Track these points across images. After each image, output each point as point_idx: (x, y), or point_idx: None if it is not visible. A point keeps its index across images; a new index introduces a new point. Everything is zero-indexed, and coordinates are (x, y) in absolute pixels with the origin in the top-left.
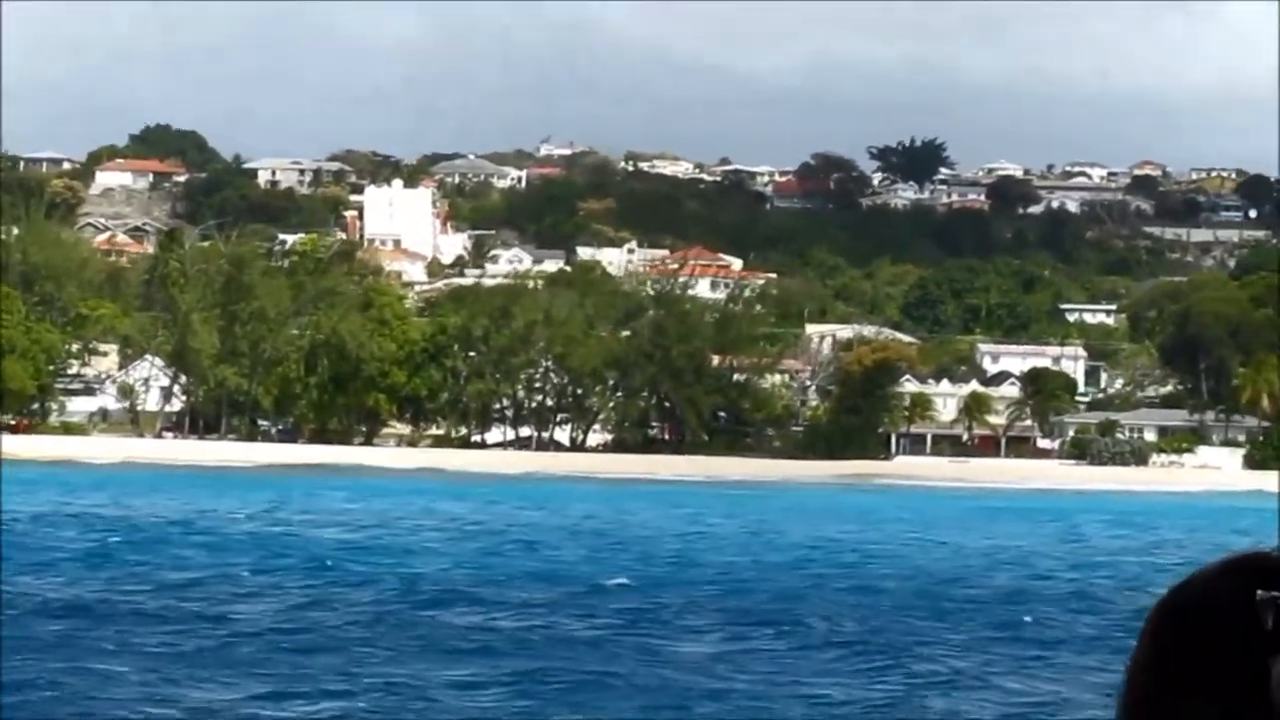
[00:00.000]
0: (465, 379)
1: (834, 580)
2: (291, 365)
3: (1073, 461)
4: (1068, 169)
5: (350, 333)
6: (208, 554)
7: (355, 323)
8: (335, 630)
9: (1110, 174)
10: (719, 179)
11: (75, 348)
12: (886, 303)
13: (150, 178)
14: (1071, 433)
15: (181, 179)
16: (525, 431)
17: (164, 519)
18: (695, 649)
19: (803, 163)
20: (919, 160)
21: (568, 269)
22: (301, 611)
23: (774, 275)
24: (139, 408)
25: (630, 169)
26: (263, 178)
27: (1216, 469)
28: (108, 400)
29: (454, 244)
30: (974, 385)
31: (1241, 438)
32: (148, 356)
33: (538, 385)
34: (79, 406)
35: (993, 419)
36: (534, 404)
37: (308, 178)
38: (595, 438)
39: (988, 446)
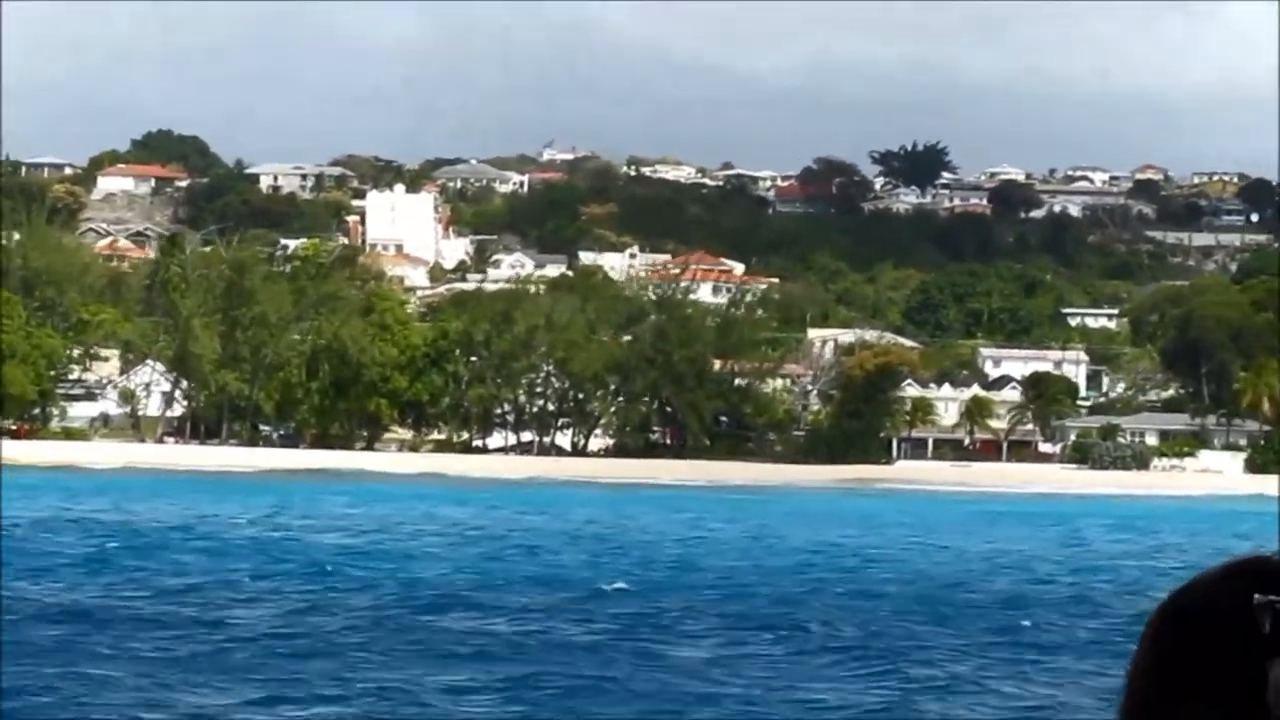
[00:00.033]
0: (467, 384)
1: (834, 585)
2: (293, 370)
3: (1074, 466)
4: (1069, 173)
5: (352, 338)
6: (207, 559)
7: (357, 328)
8: (331, 635)
9: (1112, 178)
10: (721, 183)
11: (76, 353)
12: (888, 307)
13: (152, 183)
14: (1073, 437)
15: (183, 184)
16: (527, 436)
17: (164, 524)
18: (692, 654)
19: (805, 167)
20: (921, 164)
21: (569, 274)
22: (298, 617)
23: (776, 280)
24: (140, 413)
25: (632, 173)
26: (264, 183)
27: (1218, 473)
28: (109, 405)
29: (456, 249)
30: (975, 389)
31: (1243, 442)
32: (149, 361)
33: (539, 390)
34: (80, 412)
35: (994, 423)
36: (535, 409)
37: (309, 183)
38: (597, 442)
39: (989, 451)
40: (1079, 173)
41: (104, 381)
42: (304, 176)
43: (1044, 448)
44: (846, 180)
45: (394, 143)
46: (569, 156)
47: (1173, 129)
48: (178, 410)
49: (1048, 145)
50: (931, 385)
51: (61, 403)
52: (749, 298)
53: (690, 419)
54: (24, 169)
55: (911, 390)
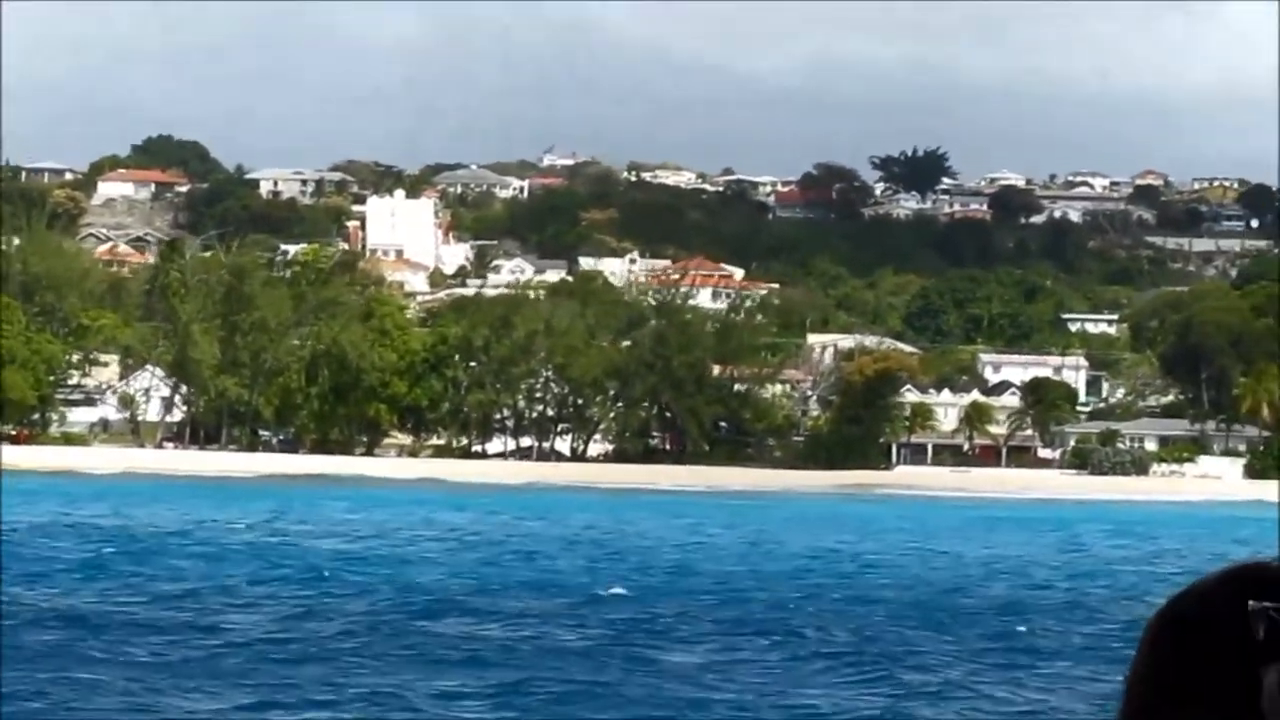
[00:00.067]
0: (466, 389)
1: (830, 590)
2: (292, 375)
3: (1074, 471)
4: (1070, 178)
5: (351, 343)
6: (204, 564)
7: (356, 333)
8: (325, 641)
9: (1112, 183)
10: (721, 189)
11: (76, 358)
12: (888, 313)
13: (152, 188)
14: (1072, 442)
15: (183, 189)
16: (526, 441)
17: (162, 530)
18: (685, 659)
19: (805, 173)
20: (921, 170)
21: (569, 279)
22: (293, 622)
23: (776, 285)
24: (140, 418)
25: (633, 179)
26: (265, 188)
27: (1217, 479)
28: (108, 411)
29: (456, 254)
30: (975, 395)
31: (1242, 447)
32: (148, 367)
33: (538, 395)
34: (80, 417)
35: (994, 429)
36: (535, 414)
37: (310, 188)
38: (596, 448)
39: (989, 456)
40: (1079, 178)
41: (103, 387)
42: (304, 182)
43: (1043, 453)
44: (847, 185)
45: (394, 148)
46: (569, 162)
47: (1172, 129)
48: (177, 415)
49: (1047, 146)
50: (931, 391)
51: (61, 408)
52: (749, 303)
53: (690, 424)
54: (24, 174)
55: (911, 396)
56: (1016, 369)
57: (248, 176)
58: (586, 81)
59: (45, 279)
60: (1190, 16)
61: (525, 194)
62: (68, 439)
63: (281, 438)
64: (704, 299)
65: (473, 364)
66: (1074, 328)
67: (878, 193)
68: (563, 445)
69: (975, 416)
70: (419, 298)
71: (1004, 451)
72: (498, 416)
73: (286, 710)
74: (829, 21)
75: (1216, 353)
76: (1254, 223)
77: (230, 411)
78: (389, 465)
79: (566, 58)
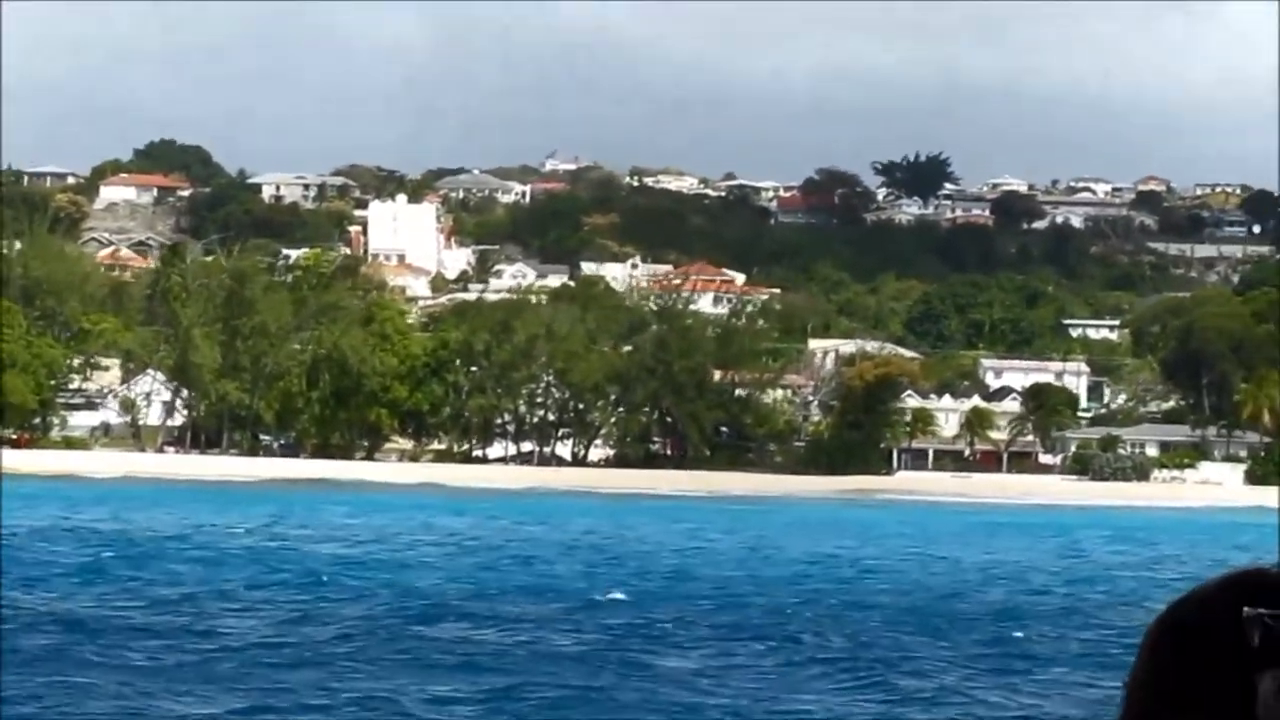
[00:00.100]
0: (467, 394)
1: (829, 596)
2: (293, 380)
3: (1074, 477)
4: (1072, 184)
5: (352, 347)
6: (203, 569)
7: (357, 337)
8: (321, 645)
9: (1114, 189)
10: (723, 194)
11: (77, 362)
12: (890, 318)
13: (154, 192)
14: (1073, 448)
15: (185, 194)
16: (527, 446)
17: (162, 534)
18: (680, 664)
19: (807, 178)
20: (923, 175)
21: (571, 284)
22: (290, 626)
23: (777, 290)
24: (140, 422)
25: (635, 184)
26: (267, 192)
27: (1218, 484)
28: (109, 415)
29: (458, 259)
30: (976, 400)
31: (1243, 453)
32: (149, 371)
33: (539, 400)
34: (80, 421)
35: (995, 434)
36: (536, 419)
37: (312, 192)
38: (597, 453)
39: (990, 462)
40: (1081, 184)
41: (104, 391)
42: (306, 186)
43: (1044, 459)
44: (849, 191)
45: (396, 152)
46: (571, 167)
47: (1173, 130)
48: (178, 420)
49: (1048, 148)
50: (932, 396)
51: (62, 412)
52: (750, 308)
53: (690, 429)
54: (26, 178)
55: (912, 401)
56: (1018, 374)
57: (250, 181)
58: (587, 82)
59: (46, 283)
60: (1190, 17)
61: (527, 199)
62: (69, 443)
63: (282, 442)
64: (705, 304)
65: (474, 369)
66: (1075, 333)
67: (880, 198)
68: (564, 450)
69: (976, 422)
70: (420, 302)
71: (1005, 457)
72: (499, 421)
73: (280, 714)
74: (829, 22)
75: (1218, 358)
76: (1256, 229)
77: (231, 416)
78: (389, 470)
79: (567, 58)
